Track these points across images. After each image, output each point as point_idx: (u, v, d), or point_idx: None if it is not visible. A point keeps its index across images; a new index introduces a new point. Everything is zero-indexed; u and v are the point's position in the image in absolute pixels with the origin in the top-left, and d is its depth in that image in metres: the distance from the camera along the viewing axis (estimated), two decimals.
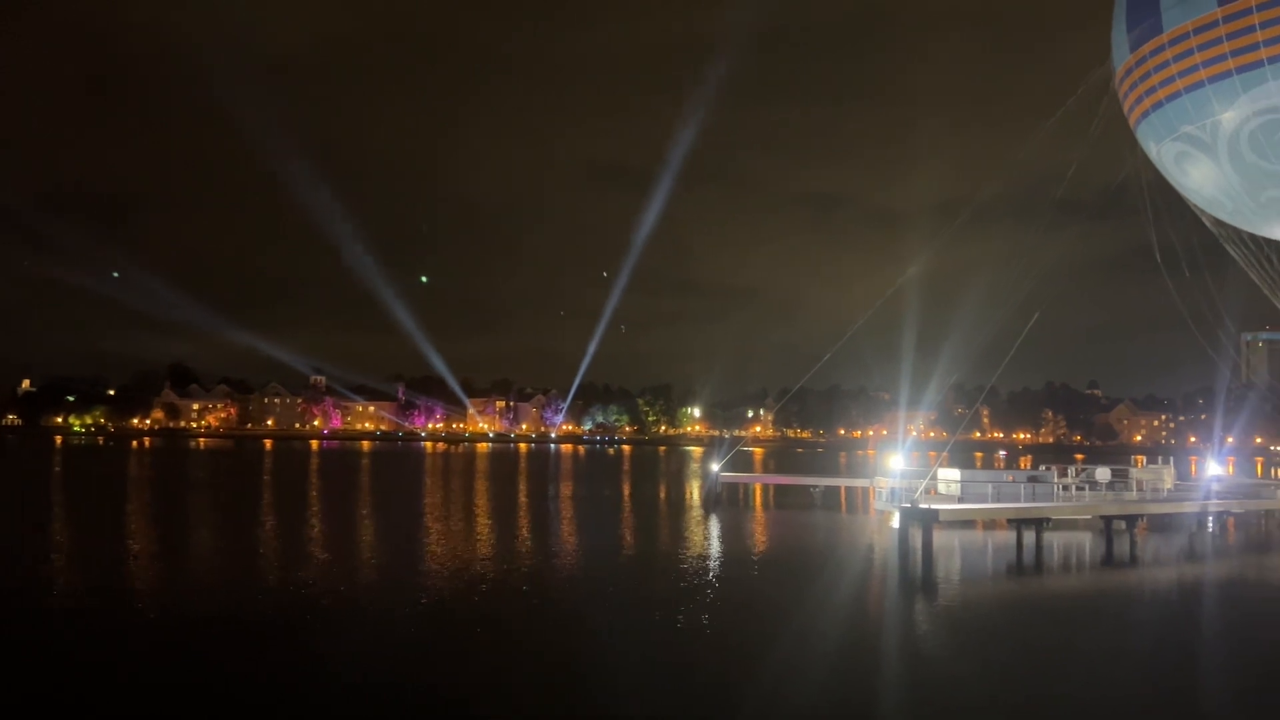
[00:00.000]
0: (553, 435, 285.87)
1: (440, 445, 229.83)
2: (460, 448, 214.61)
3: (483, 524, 53.33)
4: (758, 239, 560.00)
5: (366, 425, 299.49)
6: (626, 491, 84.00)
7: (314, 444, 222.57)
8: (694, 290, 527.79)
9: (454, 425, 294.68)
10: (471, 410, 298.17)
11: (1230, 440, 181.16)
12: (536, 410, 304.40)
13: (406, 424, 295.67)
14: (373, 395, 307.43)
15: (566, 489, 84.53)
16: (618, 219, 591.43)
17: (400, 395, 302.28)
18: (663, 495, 79.88)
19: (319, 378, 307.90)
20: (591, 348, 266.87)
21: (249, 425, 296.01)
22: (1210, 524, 52.99)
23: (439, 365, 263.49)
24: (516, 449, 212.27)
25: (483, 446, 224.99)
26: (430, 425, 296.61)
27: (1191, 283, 60.74)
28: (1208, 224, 58.32)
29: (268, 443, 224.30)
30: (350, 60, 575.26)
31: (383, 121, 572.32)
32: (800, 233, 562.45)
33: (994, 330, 59.99)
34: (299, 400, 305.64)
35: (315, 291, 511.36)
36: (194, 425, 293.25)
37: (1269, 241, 56.99)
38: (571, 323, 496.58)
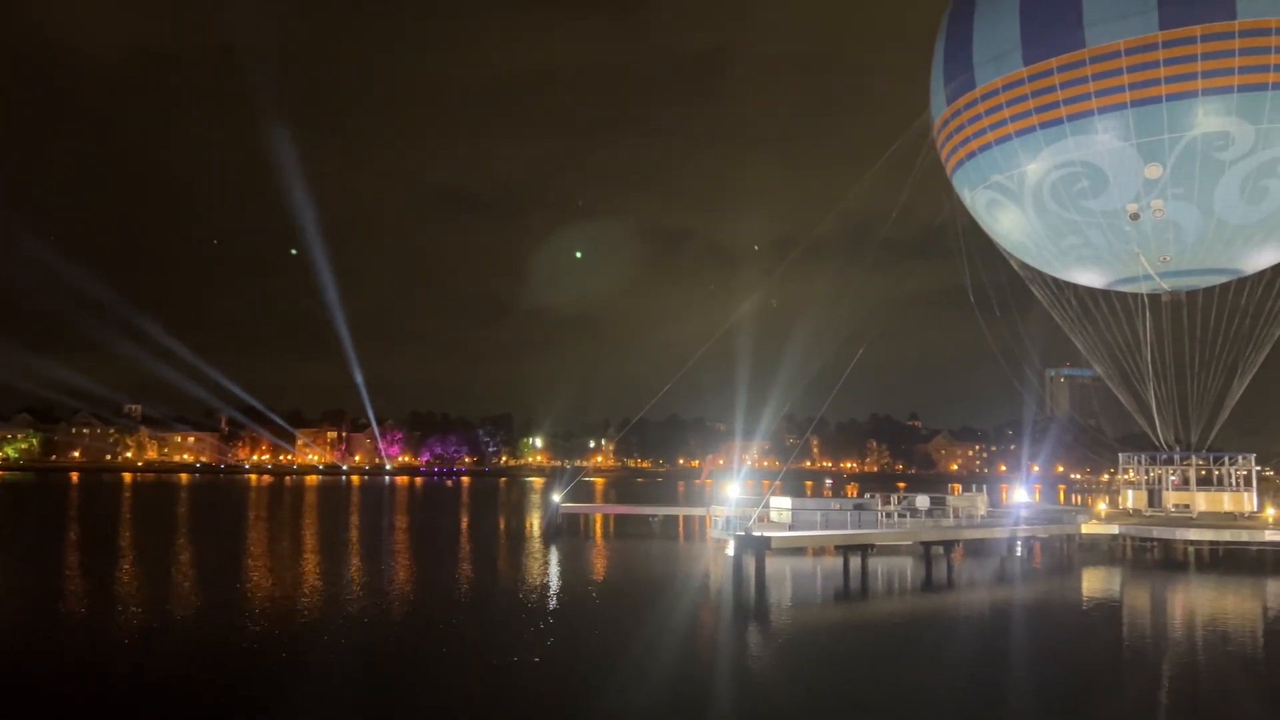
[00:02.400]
0: (387, 467, 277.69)
1: (266, 478, 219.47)
2: (288, 480, 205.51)
3: (309, 559, 51.10)
4: (603, 270, 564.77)
5: (186, 457, 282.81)
6: (465, 523, 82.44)
7: (127, 477, 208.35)
8: (539, 319, 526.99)
9: (282, 457, 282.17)
10: (301, 441, 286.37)
11: (1036, 468, 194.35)
12: (371, 441, 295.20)
13: (230, 456, 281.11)
14: (195, 425, 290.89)
15: (401, 521, 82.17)
16: (462, 245, 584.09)
17: (223, 425, 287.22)
18: (502, 526, 78.81)
19: (134, 406, 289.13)
20: (356, 377, 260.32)
21: (54, 457, 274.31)
22: (1019, 548, 56.48)
23: (237, 392, 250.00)
24: (348, 481, 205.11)
25: (312, 479, 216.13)
26: (256, 457, 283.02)
27: (1001, 321, 65.39)
28: (1015, 267, 62.87)
29: (74, 475, 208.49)
30: (174, 73, 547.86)
31: (219, 137, 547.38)
32: (644, 266, 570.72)
33: (823, 363, 62.71)
34: (111, 430, 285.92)
35: (135, 315, 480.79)
36: None
37: (1068, 284, 61.89)
38: (409, 349, 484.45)
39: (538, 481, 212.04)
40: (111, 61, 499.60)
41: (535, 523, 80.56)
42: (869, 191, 68.04)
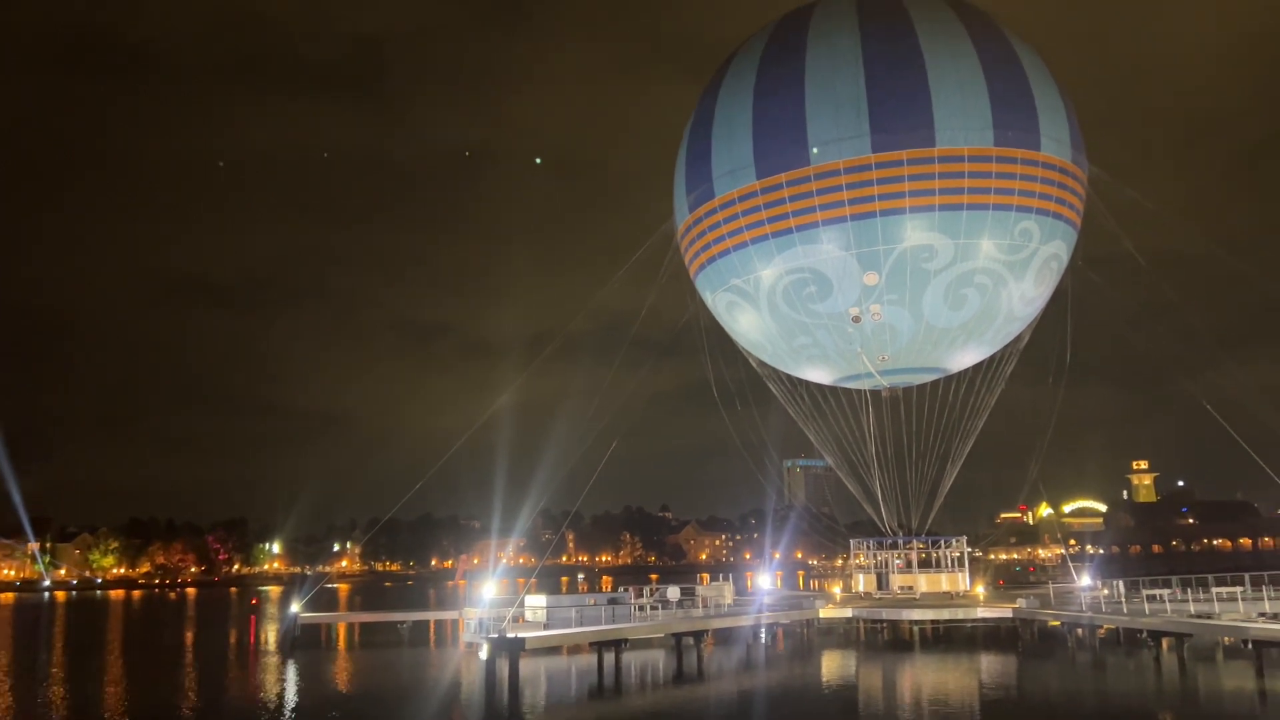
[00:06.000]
0: (98, 580, 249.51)
1: None
2: None
3: None
4: (353, 363, 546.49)
5: None
6: (189, 639, 75.13)
7: None
8: (279, 414, 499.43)
9: None
10: None
11: (777, 555, 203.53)
12: (80, 552, 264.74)
13: None
14: None
15: (113, 640, 73.75)
16: (197, 335, 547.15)
17: None
18: (233, 641, 72.41)
19: None
20: None
21: None
22: (764, 635, 58.40)
23: None
24: (52, 598, 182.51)
25: (7, 596, 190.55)
26: None
27: (743, 415, 68.69)
28: (754, 364, 66.58)
29: None
30: None
31: None
32: (398, 359, 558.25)
33: (578, 457, 63.05)
34: None
35: None
36: None
37: (801, 381, 66.17)
38: (132, 449, 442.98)
39: (274, 590, 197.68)
40: None
41: (271, 635, 74.72)
42: (620, 290, 70.37)
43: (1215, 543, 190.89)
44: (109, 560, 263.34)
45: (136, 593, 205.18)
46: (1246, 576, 53.13)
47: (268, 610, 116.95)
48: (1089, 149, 58.05)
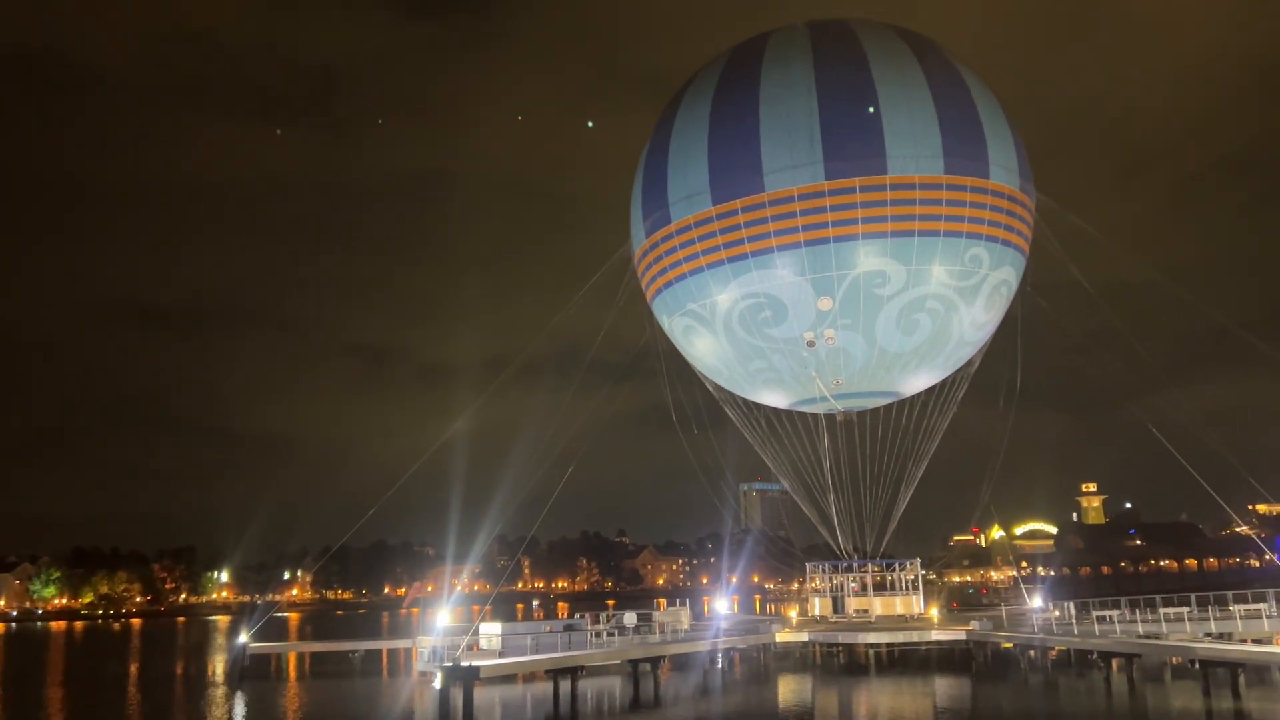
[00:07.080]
0: (39, 611, 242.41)
1: None
2: None
3: None
4: (306, 388, 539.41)
5: None
6: (134, 670, 73.16)
7: None
8: (230, 440, 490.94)
9: None
10: None
11: (734, 579, 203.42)
12: (20, 582, 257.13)
13: None
14: None
15: (55, 673, 71.56)
16: (142, 360, 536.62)
17: None
18: (180, 671, 70.63)
19: None
20: None
21: None
22: (720, 660, 58.25)
23: None
24: None
25: None
26: None
27: (700, 439, 68.85)
28: (710, 389, 66.84)
29: None
30: None
31: None
32: (352, 383, 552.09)
33: (535, 482, 62.63)
34: None
35: None
36: None
37: (757, 405, 66.51)
38: (76, 476, 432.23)
39: (223, 620, 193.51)
40: None
41: (219, 666, 73.03)
42: (577, 314, 70.40)
43: (1162, 564, 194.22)
44: (50, 591, 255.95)
45: (79, 624, 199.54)
46: (1192, 597, 54.08)
47: (215, 640, 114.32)
48: (1036, 177, 59.35)
